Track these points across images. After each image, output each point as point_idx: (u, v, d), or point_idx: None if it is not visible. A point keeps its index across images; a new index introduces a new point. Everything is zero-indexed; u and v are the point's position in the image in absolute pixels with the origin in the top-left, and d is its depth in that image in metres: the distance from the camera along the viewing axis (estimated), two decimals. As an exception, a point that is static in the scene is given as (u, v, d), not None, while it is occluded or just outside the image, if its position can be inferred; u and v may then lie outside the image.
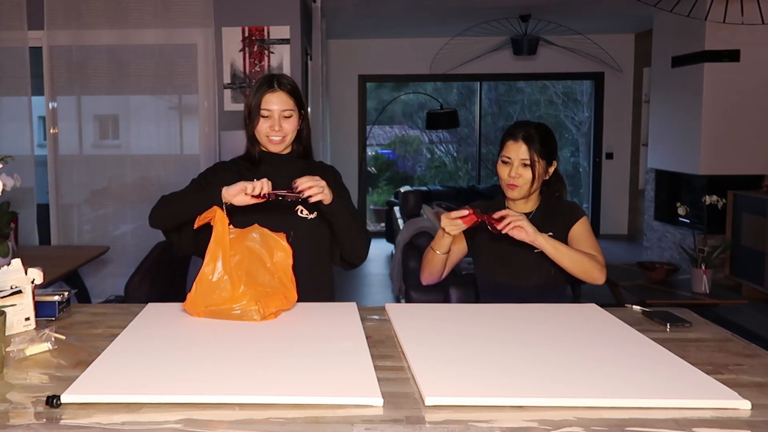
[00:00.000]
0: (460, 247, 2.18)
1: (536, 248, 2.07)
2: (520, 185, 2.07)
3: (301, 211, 2.03)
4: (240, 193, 1.83)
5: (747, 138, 5.77)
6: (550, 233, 2.06)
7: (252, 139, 2.08)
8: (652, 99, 6.77)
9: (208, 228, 1.85)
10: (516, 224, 1.89)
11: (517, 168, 2.07)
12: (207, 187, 1.99)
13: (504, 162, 2.10)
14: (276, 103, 2.01)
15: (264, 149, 2.08)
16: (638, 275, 4.31)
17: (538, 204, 2.16)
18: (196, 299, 1.68)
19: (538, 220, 2.11)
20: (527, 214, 2.11)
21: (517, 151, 2.07)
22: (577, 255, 1.99)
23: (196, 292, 1.68)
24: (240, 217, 1.94)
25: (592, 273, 2.00)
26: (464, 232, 2.11)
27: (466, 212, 1.92)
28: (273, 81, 2.04)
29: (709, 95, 5.75)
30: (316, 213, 2.03)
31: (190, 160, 4.73)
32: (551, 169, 2.13)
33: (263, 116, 2.01)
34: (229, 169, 2.11)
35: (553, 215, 2.12)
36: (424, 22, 7.01)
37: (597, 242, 2.11)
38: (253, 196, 1.82)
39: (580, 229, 2.10)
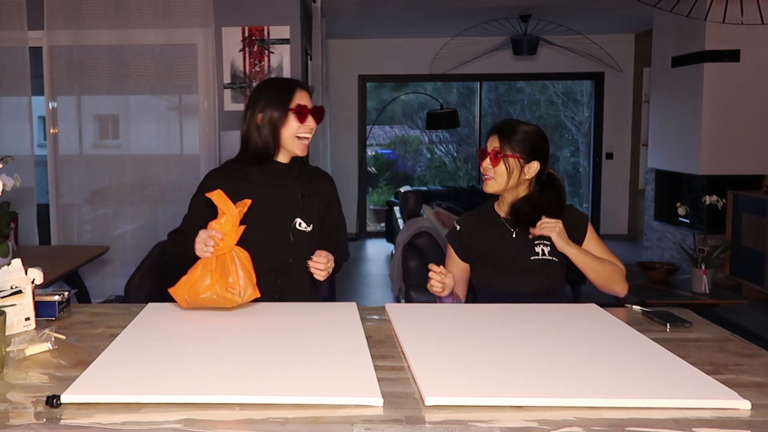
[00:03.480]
0: (460, 267, 2.15)
1: (534, 255, 2.05)
2: (491, 177, 2.03)
3: (299, 224, 2.03)
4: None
5: (747, 138, 5.77)
6: (548, 242, 2.04)
7: (268, 145, 2.00)
8: (652, 99, 6.77)
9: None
10: (549, 231, 1.94)
11: (490, 159, 2.03)
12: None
13: (481, 154, 2.07)
14: (308, 100, 2.01)
15: (284, 151, 2.03)
16: (638, 275, 4.31)
17: None
18: (183, 283, 1.74)
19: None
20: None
21: (491, 142, 2.04)
22: (602, 267, 2.01)
23: (188, 276, 1.75)
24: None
25: (615, 286, 2.02)
26: (458, 247, 2.12)
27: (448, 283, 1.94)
28: (297, 81, 2.05)
29: (709, 95, 5.75)
30: (312, 226, 2.05)
31: (190, 160, 4.74)
32: (530, 168, 2.03)
33: (297, 113, 1.97)
34: (225, 178, 2.06)
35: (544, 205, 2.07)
36: (424, 22, 7.01)
37: (606, 245, 2.12)
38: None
39: (591, 238, 2.08)
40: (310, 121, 2.00)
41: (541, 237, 2.04)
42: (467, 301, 2.33)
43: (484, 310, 1.84)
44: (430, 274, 1.93)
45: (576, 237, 2.08)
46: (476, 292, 2.20)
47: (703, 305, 3.81)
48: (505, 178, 2.03)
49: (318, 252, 1.95)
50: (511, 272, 2.06)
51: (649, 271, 4.24)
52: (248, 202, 1.80)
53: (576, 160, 9.39)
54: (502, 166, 2.02)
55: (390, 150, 10.31)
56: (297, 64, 4.62)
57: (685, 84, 6.02)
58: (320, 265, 1.93)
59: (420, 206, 5.82)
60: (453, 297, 2.04)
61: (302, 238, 2.02)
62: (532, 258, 2.05)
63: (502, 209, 2.13)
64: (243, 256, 1.78)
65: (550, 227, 1.95)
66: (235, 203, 1.96)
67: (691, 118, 5.93)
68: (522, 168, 2.03)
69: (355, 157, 8.20)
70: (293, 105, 1.98)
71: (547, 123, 9.34)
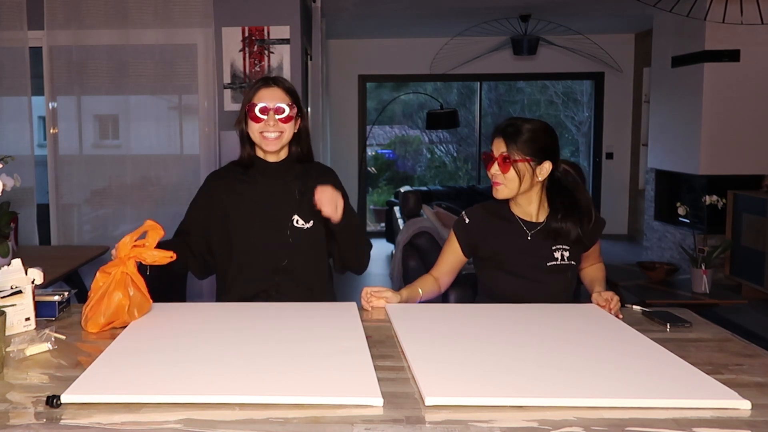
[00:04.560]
0: (457, 258, 2.07)
1: (552, 260, 1.97)
2: (502, 183, 1.94)
3: (297, 222, 2.02)
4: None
5: (747, 138, 5.77)
6: (566, 246, 1.98)
7: (245, 141, 2.04)
8: (652, 99, 6.77)
9: (222, 249, 1.98)
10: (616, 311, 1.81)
11: (498, 165, 1.92)
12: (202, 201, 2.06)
13: (487, 158, 1.96)
14: (270, 99, 1.98)
15: (259, 151, 2.05)
16: (638, 275, 4.31)
17: (549, 210, 2.00)
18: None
19: (549, 230, 1.97)
20: (536, 224, 2.00)
21: (498, 147, 1.93)
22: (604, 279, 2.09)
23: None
24: (239, 229, 1.97)
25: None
26: (463, 240, 2.05)
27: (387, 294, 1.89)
28: (268, 79, 2.04)
29: (709, 95, 5.75)
30: (312, 222, 2.02)
31: (190, 160, 4.73)
32: (542, 169, 1.95)
33: (257, 113, 1.97)
34: (221, 178, 2.09)
35: (573, 225, 1.97)
36: (424, 22, 7.01)
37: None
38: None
39: (598, 240, 2.11)
40: (271, 120, 1.97)
41: (560, 240, 1.97)
42: (468, 300, 2.32)
43: (484, 310, 1.84)
44: (364, 302, 1.89)
45: (591, 240, 2.05)
46: (480, 292, 2.14)
47: (703, 305, 3.80)
48: (516, 184, 1.94)
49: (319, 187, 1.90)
50: (525, 278, 1.98)
51: (649, 271, 4.24)
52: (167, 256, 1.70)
53: (576, 160, 9.39)
54: (512, 172, 1.92)
55: (390, 150, 10.31)
56: (297, 64, 4.62)
57: (685, 84, 6.02)
58: (326, 194, 1.87)
59: (420, 206, 5.82)
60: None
61: (301, 236, 2.02)
62: (549, 264, 1.97)
63: (516, 208, 2.02)
64: (120, 297, 1.65)
65: (617, 306, 1.83)
66: (229, 203, 1.95)
67: (691, 118, 5.93)
68: (534, 171, 1.94)
69: (355, 157, 8.20)
70: (250, 103, 1.99)
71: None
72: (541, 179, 1.97)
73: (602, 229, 2.07)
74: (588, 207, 2.01)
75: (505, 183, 1.94)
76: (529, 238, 2.00)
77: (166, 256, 1.68)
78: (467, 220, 2.06)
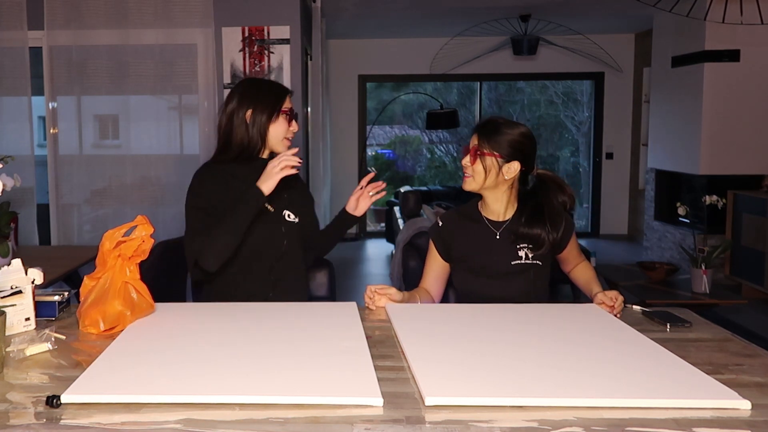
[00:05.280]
0: (439, 265, 2.10)
1: (516, 259, 2.00)
2: (470, 176, 2.00)
3: (288, 216, 2.12)
4: (275, 178, 1.89)
5: (747, 138, 5.77)
6: (530, 245, 2.00)
7: (258, 138, 2.05)
8: (652, 99, 6.77)
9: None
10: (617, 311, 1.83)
11: (469, 156, 2.00)
12: (214, 200, 2.03)
13: (464, 150, 2.05)
14: (291, 105, 2.10)
15: (267, 149, 2.09)
16: (638, 275, 4.31)
17: (515, 210, 2.05)
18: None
19: (515, 230, 2.01)
20: (503, 222, 2.05)
21: (473, 140, 2.02)
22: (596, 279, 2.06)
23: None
24: None
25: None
26: (439, 244, 2.09)
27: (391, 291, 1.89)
28: (285, 86, 2.15)
29: (709, 95, 5.75)
30: (298, 218, 2.14)
31: (190, 160, 4.73)
32: (509, 168, 1.98)
33: (284, 116, 2.05)
34: (217, 175, 2.08)
35: (535, 228, 2.00)
36: (424, 22, 7.01)
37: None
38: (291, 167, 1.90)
39: (572, 242, 2.09)
40: (294, 125, 2.10)
41: (524, 240, 2.00)
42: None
43: (484, 310, 1.84)
44: (366, 297, 1.89)
45: (562, 243, 2.07)
46: (457, 296, 2.16)
47: (703, 305, 3.80)
48: (482, 177, 1.99)
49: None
50: (491, 276, 2.02)
51: (649, 271, 4.24)
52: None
53: (576, 160, 9.39)
54: (479, 165, 1.99)
55: (390, 150, 10.32)
56: (297, 64, 4.62)
57: (685, 84, 6.02)
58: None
59: (420, 206, 5.83)
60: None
61: (292, 229, 2.12)
62: (513, 263, 2.01)
63: (485, 209, 2.08)
64: (119, 306, 1.63)
65: (620, 306, 1.85)
66: (229, 199, 1.95)
67: (691, 118, 5.93)
68: (500, 168, 1.98)
69: (355, 157, 8.20)
70: (285, 108, 2.06)
71: (547, 123, 9.34)
72: (508, 177, 2.00)
73: (572, 231, 2.09)
74: (554, 212, 2.02)
75: (473, 175, 2.01)
76: (497, 237, 2.04)
77: (144, 251, 1.67)
78: (440, 224, 2.12)
